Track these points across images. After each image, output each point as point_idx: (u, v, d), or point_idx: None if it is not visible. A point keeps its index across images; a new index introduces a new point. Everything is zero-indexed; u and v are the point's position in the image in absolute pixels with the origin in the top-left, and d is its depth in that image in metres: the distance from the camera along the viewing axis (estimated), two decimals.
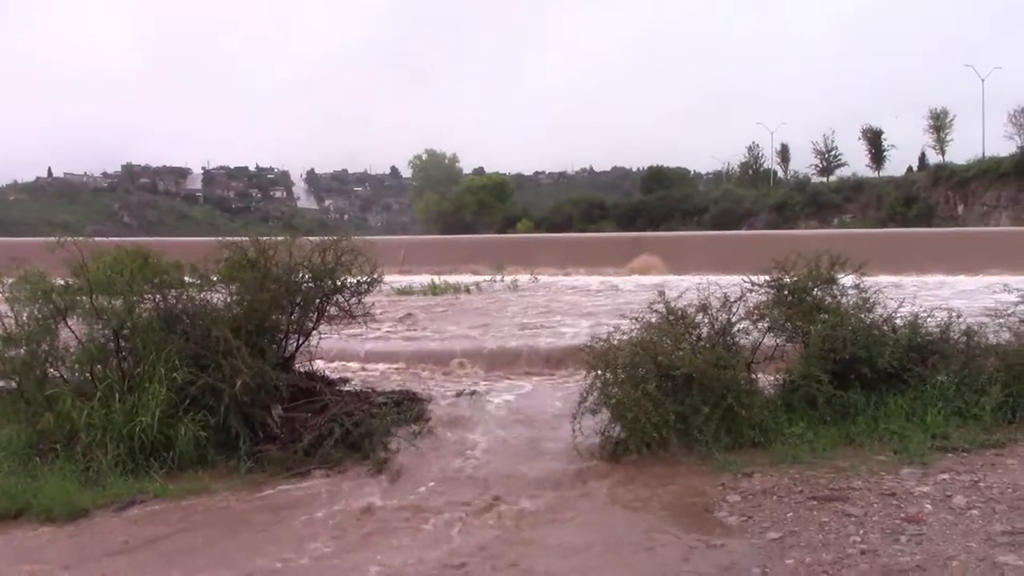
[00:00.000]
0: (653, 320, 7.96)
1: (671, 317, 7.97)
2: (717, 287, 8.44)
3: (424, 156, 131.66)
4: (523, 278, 29.74)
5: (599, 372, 7.54)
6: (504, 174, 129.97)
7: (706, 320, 8.02)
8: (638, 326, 7.88)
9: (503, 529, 5.98)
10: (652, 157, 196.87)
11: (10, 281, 8.10)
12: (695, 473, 6.85)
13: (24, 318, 7.82)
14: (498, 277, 29.22)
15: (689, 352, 7.40)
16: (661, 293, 8.24)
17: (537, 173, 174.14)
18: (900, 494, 6.10)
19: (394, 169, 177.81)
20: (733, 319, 8.08)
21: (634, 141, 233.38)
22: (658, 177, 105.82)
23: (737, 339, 8.08)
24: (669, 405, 7.15)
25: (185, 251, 10.23)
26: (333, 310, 8.93)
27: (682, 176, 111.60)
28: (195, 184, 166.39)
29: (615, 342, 7.69)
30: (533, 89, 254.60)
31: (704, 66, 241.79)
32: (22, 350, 7.80)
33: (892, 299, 8.62)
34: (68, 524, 6.36)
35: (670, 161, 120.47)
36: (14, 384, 7.82)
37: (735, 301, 8.21)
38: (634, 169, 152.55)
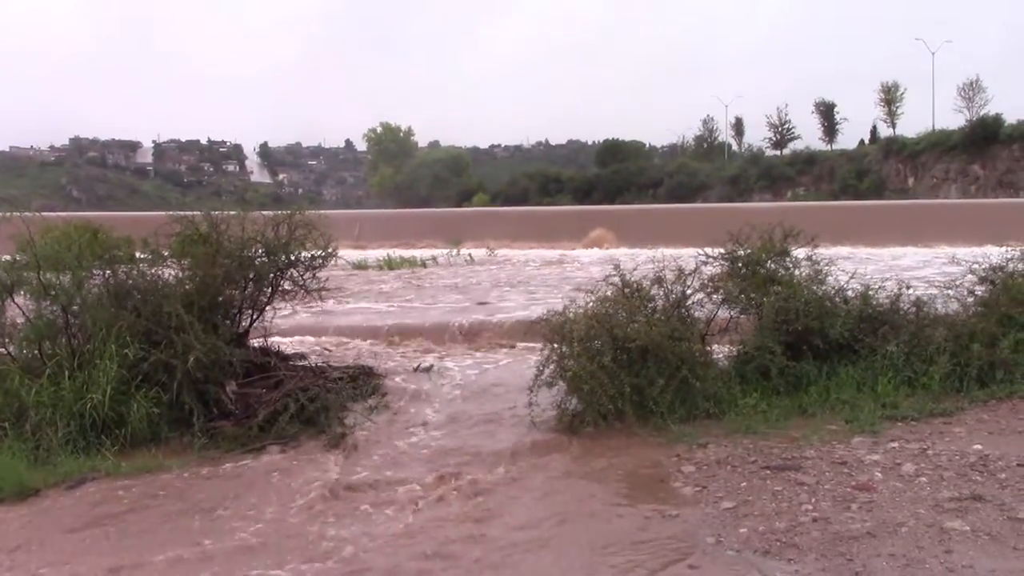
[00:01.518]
0: (608, 293, 7.98)
1: (626, 290, 8.00)
2: (672, 260, 8.48)
3: (379, 129, 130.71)
4: (479, 252, 29.75)
5: (555, 345, 7.54)
6: (460, 147, 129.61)
7: (661, 293, 8.06)
8: (593, 299, 7.89)
9: (460, 502, 5.98)
10: (608, 130, 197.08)
11: None
12: (650, 445, 6.90)
13: None
14: (454, 251, 29.20)
15: (644, 325, 7.42)
16: (616, 266, 8.25)
17: (493, 146, 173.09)
18: (851, 462, 6.21)
19: (349, 142, 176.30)
20: (688, 292, 8.13)
21: (590, 114, 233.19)
22: (613, 150, 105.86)
23: (692, 311, 8.14)
24: (624, 377, 7.17)
25: (136, 226, 10.08)
26: (287, 285, 8.84)
27: (637, 149, 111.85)
28: (145, 158, 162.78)
29: (571, 315, 7.70)
30: (489, 62, 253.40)
31: (660, 39, 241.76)
32: None
33: (844, 271, 8.74)
34: (18, 504, 6.26)
35: (626, 134, 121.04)
36: None
37: (690, 274, 8.25)
38: (590, 142, 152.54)
